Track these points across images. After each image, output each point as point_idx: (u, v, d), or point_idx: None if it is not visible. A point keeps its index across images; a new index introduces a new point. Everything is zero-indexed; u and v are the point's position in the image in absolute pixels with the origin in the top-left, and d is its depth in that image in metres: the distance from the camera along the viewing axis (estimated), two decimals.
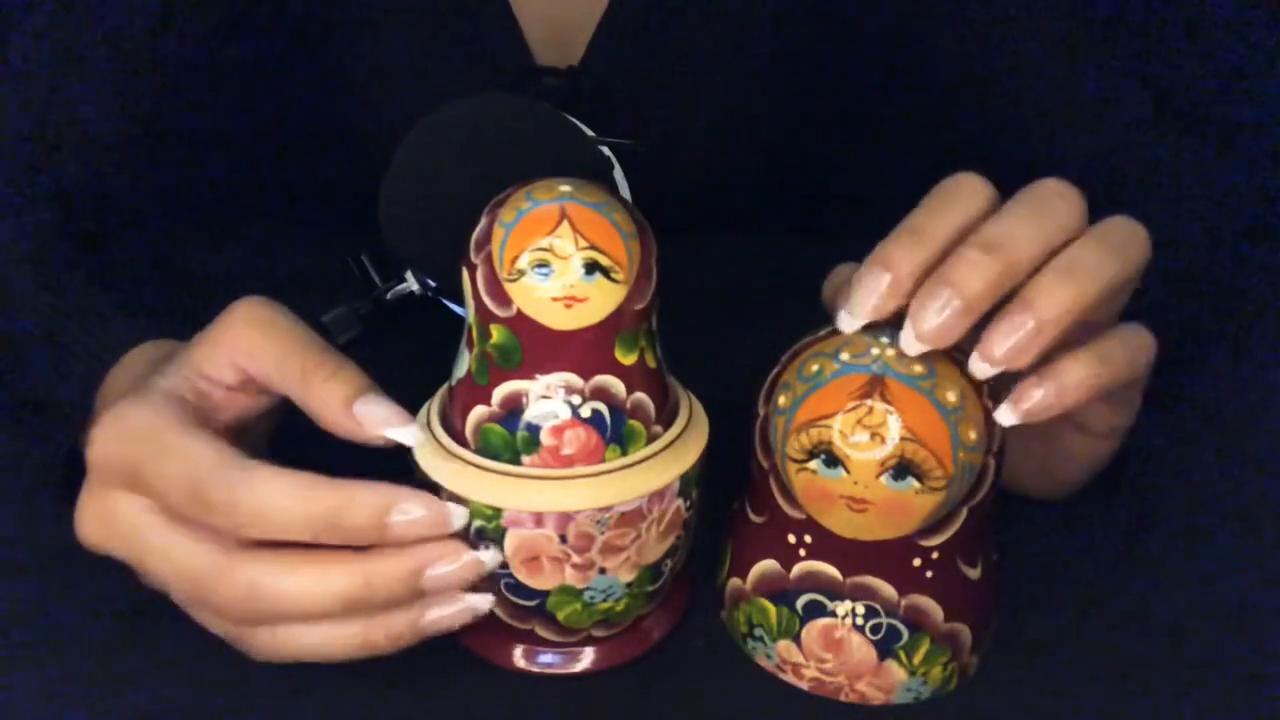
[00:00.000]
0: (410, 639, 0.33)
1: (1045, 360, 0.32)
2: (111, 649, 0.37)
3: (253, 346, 0.34)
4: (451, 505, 0.32)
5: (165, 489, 0.32)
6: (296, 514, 0.31)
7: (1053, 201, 0.33)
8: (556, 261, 0.32)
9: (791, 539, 0.35)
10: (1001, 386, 0.32)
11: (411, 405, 0.36)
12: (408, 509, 0.31)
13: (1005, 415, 0.32)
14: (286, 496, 0.31)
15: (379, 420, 0.33)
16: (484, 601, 0.33)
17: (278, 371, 0.34)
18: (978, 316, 0.31)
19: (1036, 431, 0.35)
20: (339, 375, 0.34)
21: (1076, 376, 0.32)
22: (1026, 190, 0.33)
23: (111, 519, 0.33)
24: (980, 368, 0.31)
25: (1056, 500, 0.42)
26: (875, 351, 0.32)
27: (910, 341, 0.31)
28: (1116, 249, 0.32)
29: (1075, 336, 0.32)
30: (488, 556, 0.32)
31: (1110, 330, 0.33)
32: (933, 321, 0.31)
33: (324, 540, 0.31)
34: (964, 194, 0.33)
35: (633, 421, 0.34)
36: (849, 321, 0.33)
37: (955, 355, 0.33)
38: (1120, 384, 0.33)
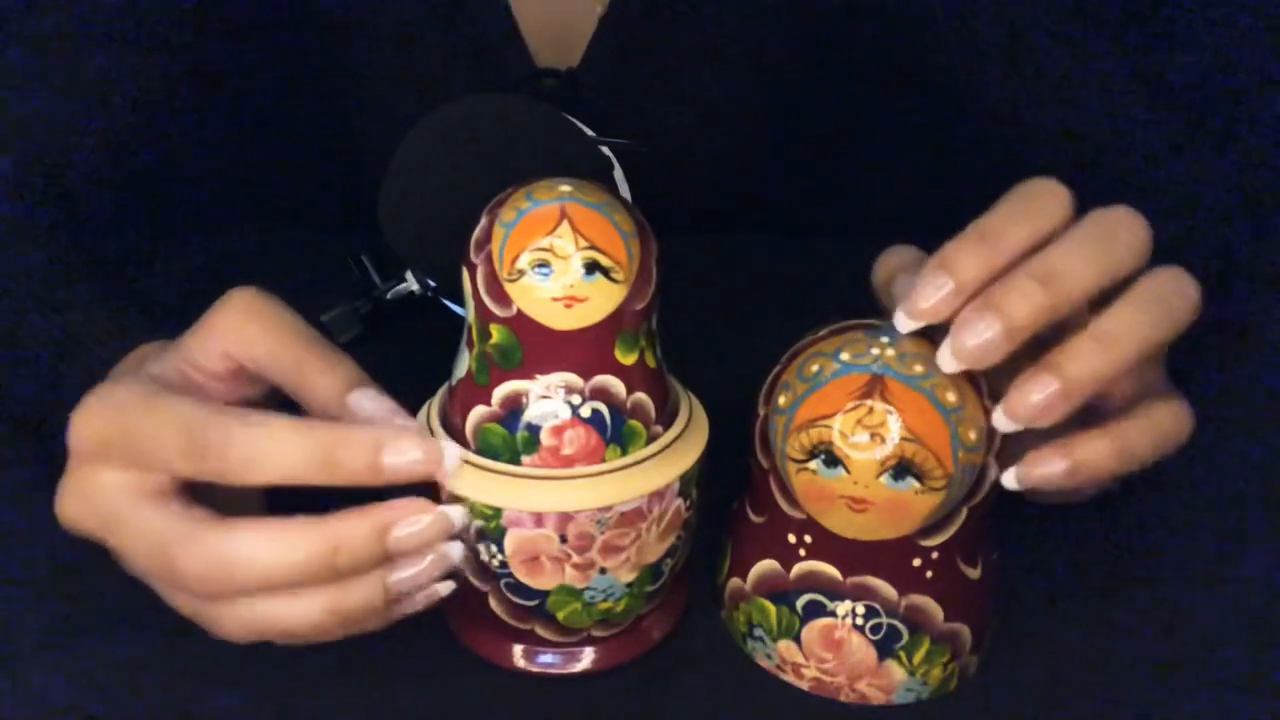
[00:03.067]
0: (380, 609, 0.32)
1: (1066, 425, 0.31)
2: (113, 649, 0.37)
3: (246, 335, 0.34)
4: (447, 445, 0.32)
5: (157, 443, 0.31)
6: (292, 451, 0.30)
7: (1117, 236, 0.32)
8: (556, 261, 0.32)
9: (791, 539, 0.35)
10: (1002, 388, 0.32)
11: (412, 405, 0.36)
12: (402, 448, 0.31)
13: (1010, 480, 0.32)
14: (282, 434, 0.31)
15: (373, 414, 0.33)
16: (454, 550, 0.32)
17: (272, 360, 0.34)
18: (1019, 344, 0.31)
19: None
20: (336, 367, 0.34)
21: (1092, 458, 0.31)
22: (1094, 217, 0.32)
23: (91, 495, 0.32)
24: (1002, 422, 0.31)
25: (1061, 503, 0.42)
26: (875, 351, 0.32)
27: (948, 359, 0.31)
28: (1162, 312, 0.31)
29: (1117, 393, 0.32)
30: (455, 513, 0.32)
31: (1147, 407, 0.33)
32: (973, 343, 0.30)
33: (320, 481, 0.31)
34: (1042, 203, 0.32)
35: (633, 421, 0.34)
36: (905, 323, 0.32)
37: None
38: (1140, 466, 0.33)
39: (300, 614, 0.31)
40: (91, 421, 0.32)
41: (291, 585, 0.31)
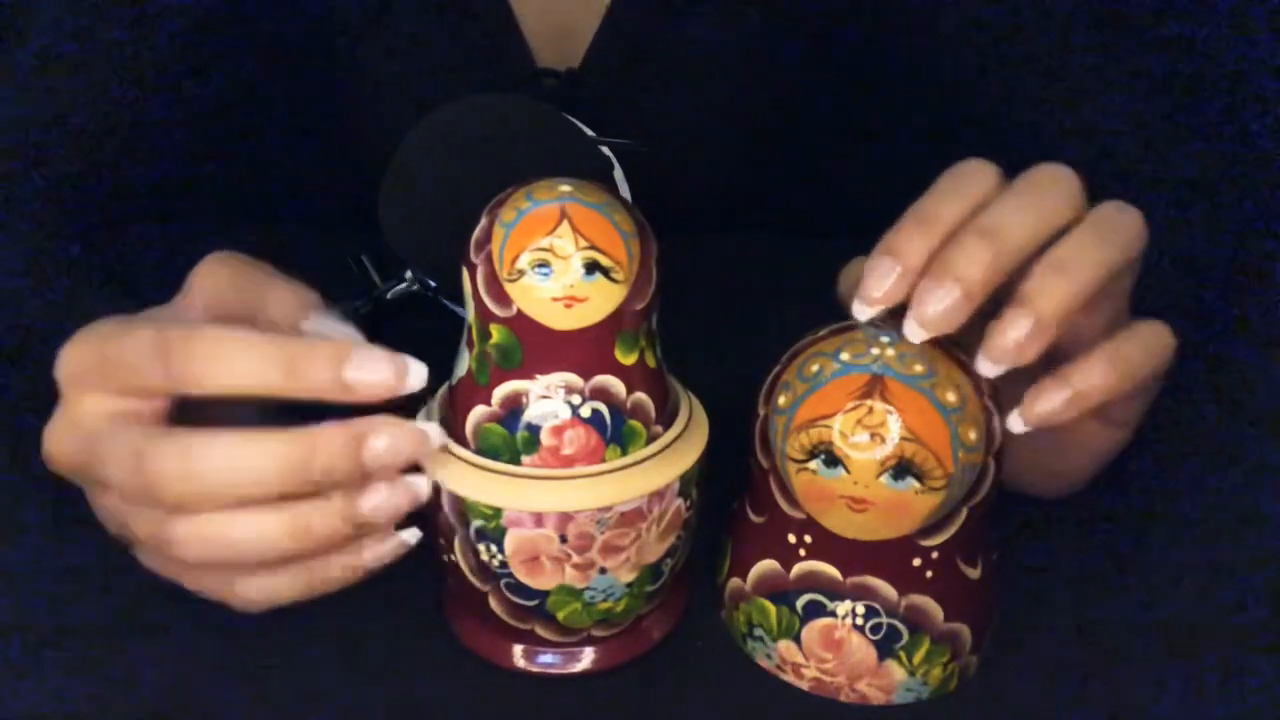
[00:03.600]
0: (343, 539, 0.32)
1: (1054, 359, 0.32)
2: (116, 647, 0.37)
3: (215, 277, 0.35)
4: (412, 363, 0.31)
5: (130, 360, 0.31)
6: (255, 359, 0.30)
7: (1048, 187, 0.33)
8: (556, 261, 0.32)
9: (791, 539, 0.35)
10: (1009, 394, 0.32)
11: (412, 405, 0.36)
12: (367, 363, 0.31)
13: (1016, 423, 0.32)
14: (247, 341, 0.31)
15: (324, 330, 0.34)
16: (421, 484, 0.32)
17: (236, 294, 0.34)
18: (978, 302, 0.31)
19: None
20: (298, 294, 0.35)
21: (1090, 381, 0.32)
22: (1024, 176, 0.34)
23: (74, 423, 0.32)
24: (986, 367, 0.32)
25: (1058, 496, 0.42)
26: (875, 351, 0.32)
27: (914, 329, 0.32)
28: (1110, 237, 0.33)
29: (1088, 330, 0.33)
30: (433, 430, 0.32)
31: (1127, 329, 0.34)
32: (934, 309, 0.31)
33: (284, 392, 0.31)
34: (971, 180, 0.34)
35: (633, 421, 0.34)
36: (863, 310, 0.33)
37: (956, 355, 0.33)
38: (1137, 385, 0.33)
39: (262, 532, 0.31)
40: (76, 351, 0.33)
41: (261, 495, 0.30)
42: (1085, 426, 0.38)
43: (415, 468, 0.32)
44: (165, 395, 0.32)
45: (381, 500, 0.31)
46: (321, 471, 0.30)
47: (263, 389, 0.31)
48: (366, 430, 0.31)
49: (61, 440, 0.33)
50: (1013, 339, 0.31)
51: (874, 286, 0.32)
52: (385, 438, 0.31)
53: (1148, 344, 0.34)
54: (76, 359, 0.33)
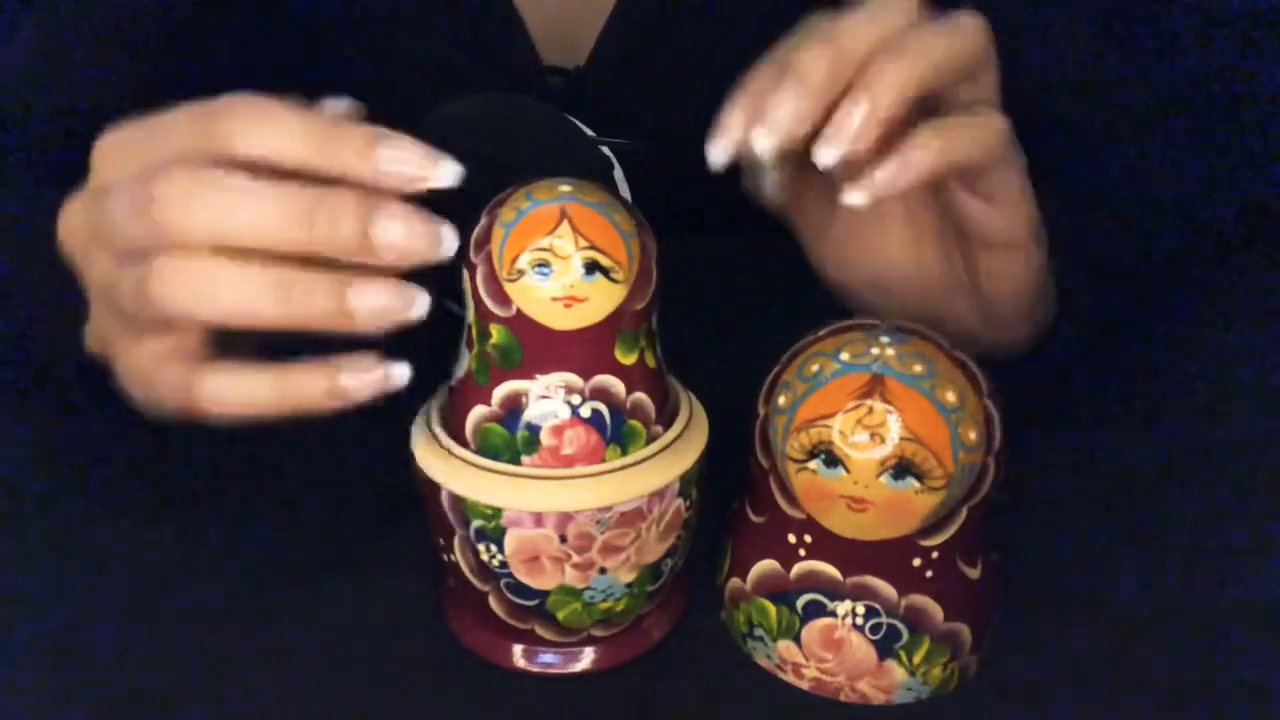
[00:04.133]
0: (330, 317, 0.30)
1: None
2: (111, 642, 0.37)
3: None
4: (444, 163, 0.31)
5: (171, 129, 0.32)
6: (294, 124, 0.30)
7: (891, 4, 0.34)
8: (556, 261, 0.32)
9: (791, 539, 0.35)
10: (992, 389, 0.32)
11: (411, 405, 0.36)
12: (397, 147, 0.30)
13: (854, 196, 0.33)
14: (285, 110, 0.31)
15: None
16: (422, 300, 0.31)
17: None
18: (822, 102, 0.32)
19: (948, 258, 0.39)
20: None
21: (918, 150, 0.33)
22: (939, 19, 0.34)
23: (95, 187, 0.33)
24: (823, 152, 0.32)
25: (1015, 350, 0.42)
26: (875, 351, 0.32)
27: (824, 152, 0.32)
28: (945, 32, 0.33)
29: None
30: (447, 233, 0.31)
31: (956, 113, 0.35)
32: (784, 111, 0.32)
33: (313, 164, 0.30)
34: (887, 9, 0.34)
35: (633, 421, 0.34)
36: (764, 143, 0.33)
37: (956, 355, 0.33)
38: (971, 161, 0.35)
39: (246, 283, 0.30)
40: (117, 134, 0.33)
41: (257, 240, 0.30)
42: (980, 256, 0.39)
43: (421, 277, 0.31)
44: (200, 158, 0.31)
45: (375, 297, 0.30)
46: (323, 231, 0.29)
47: (295, 159, 0.30)
48: (378, 205, 0.30)
49: (74, 210, 0.33)
50: (849, 123, 0.32)
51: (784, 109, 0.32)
52: (400, 222, 0.30)
53: (975, 124, 0.34)
54: (116, 138, 0.33)
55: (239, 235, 0.30)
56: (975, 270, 0.40)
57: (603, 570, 0.34)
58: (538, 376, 0.33)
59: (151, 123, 0.33)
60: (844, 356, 0.33)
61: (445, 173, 0.31)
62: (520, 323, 0.32)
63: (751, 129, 0.32)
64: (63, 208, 0.34)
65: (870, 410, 0.31)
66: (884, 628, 0.34)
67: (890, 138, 0.33)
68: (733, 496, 0.38)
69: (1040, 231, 0.39)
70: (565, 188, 0.33)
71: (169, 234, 0.30)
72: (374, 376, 0.31)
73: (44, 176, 0.48)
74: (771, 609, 0.36)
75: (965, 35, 0.34)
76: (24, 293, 0.39)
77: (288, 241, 0.30)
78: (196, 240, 0.30)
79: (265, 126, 0.30)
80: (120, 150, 0.33)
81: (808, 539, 0.35)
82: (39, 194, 0.38)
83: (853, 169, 0.33)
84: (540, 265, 0.32)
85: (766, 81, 0.33)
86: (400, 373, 0.31)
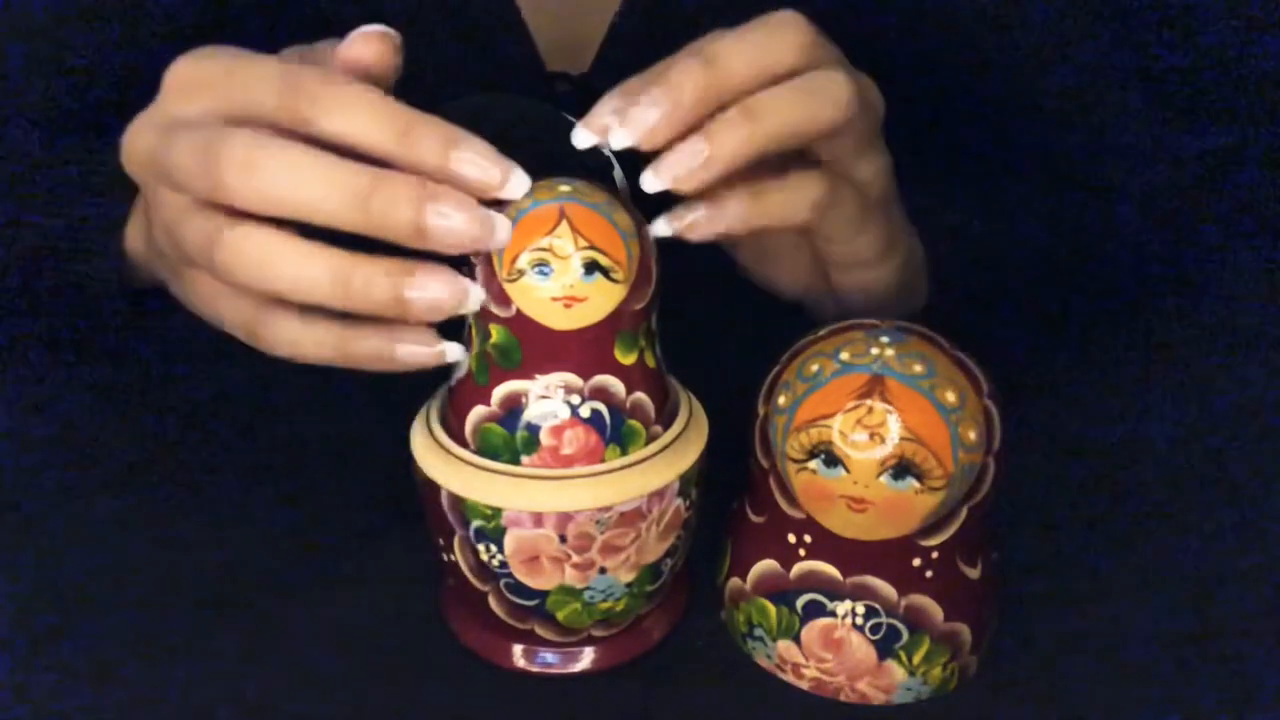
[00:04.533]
0: (383, 298, 0.31)
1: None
2: (105, 651, 0.37)
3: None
4: (515, 175, 0.32)
5: (257, 79, 0.32)
6: (378, 112, 0.31)
7: (781, 32, 0.34)
8: (556, 261, 0.32)
9: (791, 539, 0.35)
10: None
11: (412, 405, 0.36)
12: (473, 151, 0.31)
13: (659, 227, 0.34)
14: (371, 97, 0.31)
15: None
16: (475, 292, 0.32)
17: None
18: (685, 121, 0.33)
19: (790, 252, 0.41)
20: None
21: (731, 206, 0.34)
22: (762, 17, 0.34)
23: (163, 120, 0.33)
24: (649, 180, 0.33)
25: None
26: (875, 351, 0.32)
27: (650, 179, 0.33)
28: (808, 99, 0.33)
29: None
30: (502, 224, 0.31)
31: (784, 176, 0.35)
32: (642, 122, 0.32)
33: (391, 155, 0.31)
34: (775, 36, 0.34)
35: (632, 421, 0.34)
36: (622, 138, 0.33)
37: (956, 355, 0.33)
38: (786, 223, 0.35)
39: (306, 265, 0.31)
40: (197, 63, 0.33)
41: (315, 211, 0.30)
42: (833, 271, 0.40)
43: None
44: (275, 125, 0.31)
45: (431, 290, 0.31)
46: (380, 214, 0.30)
47: (373, 147, 0.31)
48: (439, 193, 0.31)
49: (140, 134, 0.33)
50: (682, 165, 0.32)
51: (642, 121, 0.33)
52: (457, 209, 0.31)
53: (797, 188, 0.35)
54: (196, 66, 0.33)
55: (296, 210, 0.30)
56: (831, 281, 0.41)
57: (603, 570, 0.34)
58: (537, 376, 0.33)
59: (234, 64, 0.32)
60: (844, 356, 0.33)
61: (516, 185, 0.32)
62: (520, 323, 0.32)
63: (612, 125, 0.33)
64: (130, 125, 0.34)
65: (870, 410, 0.31)
66: (884, 628, 0.34)
67: (731, 177, 0.33)
68: (733, 496, 0.38)
69: (895, 247, 0.40)
70: (565, 188, 0.33)
71: (229, 198, 0.31)
72: (431, 351, 0.33)
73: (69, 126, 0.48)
74: (771, 609, 0.36)
75: (828, 100, 0.34)
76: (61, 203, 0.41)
77: (343, 221, 0.30)
78: (255, 208, 0.31)
79: (352, 111, 0.31)
80: (197, 83, 0.33)
81: (807, 539, 0.34)
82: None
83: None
84: (540, 265, 0.32)
85: (641, 86, 0.34)
86: (454, 351, 0.33)
